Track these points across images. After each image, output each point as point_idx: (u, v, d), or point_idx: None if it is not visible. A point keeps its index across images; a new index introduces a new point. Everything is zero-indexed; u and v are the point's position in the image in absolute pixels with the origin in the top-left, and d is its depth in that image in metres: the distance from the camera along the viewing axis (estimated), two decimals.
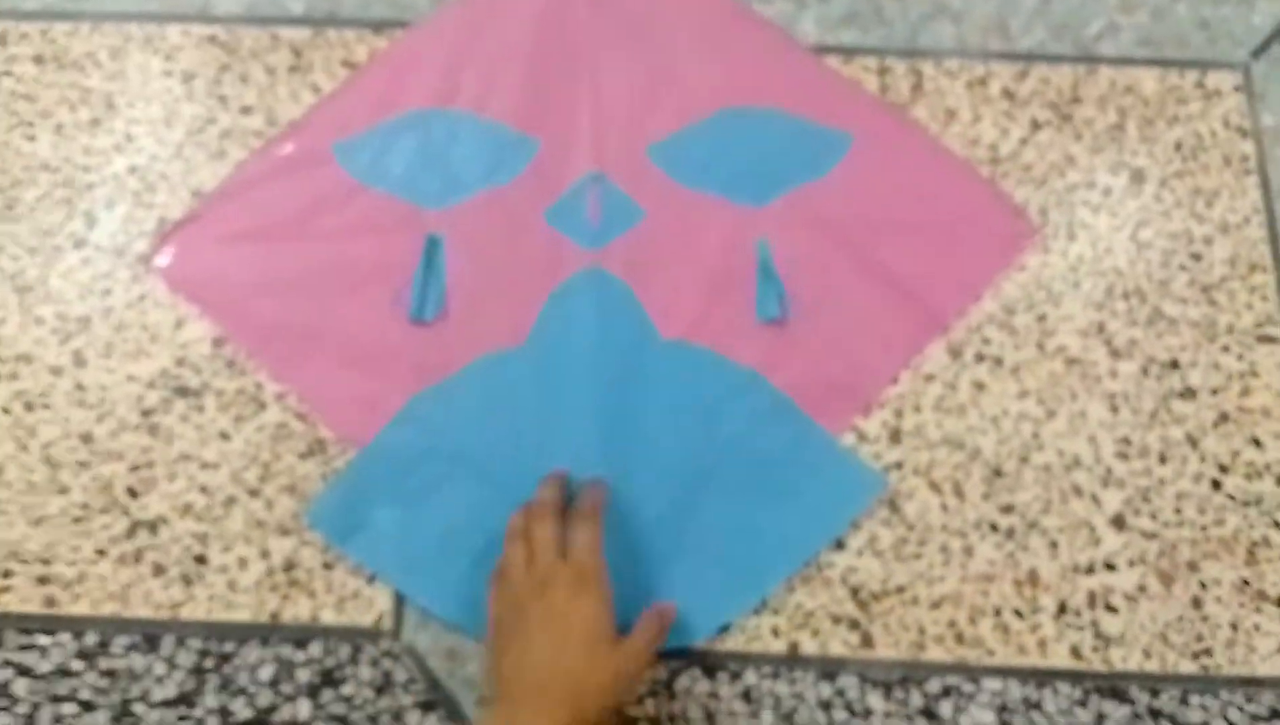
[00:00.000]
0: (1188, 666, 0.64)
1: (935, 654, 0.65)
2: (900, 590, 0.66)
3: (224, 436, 0.70)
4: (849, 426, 0.70)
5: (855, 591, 0.66)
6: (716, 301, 0.72)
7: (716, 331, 0.71)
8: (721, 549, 0.66)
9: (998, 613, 0.66)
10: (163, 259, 0.75)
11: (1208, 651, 0.65)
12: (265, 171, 0.78)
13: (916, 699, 0.64)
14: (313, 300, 0.74)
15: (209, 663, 0.65)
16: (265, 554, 0.67)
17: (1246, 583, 0.66)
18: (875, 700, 0.64)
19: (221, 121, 0.79)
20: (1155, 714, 0.64)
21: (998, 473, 0.69)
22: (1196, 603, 0.66)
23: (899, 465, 0.69)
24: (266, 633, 0.66)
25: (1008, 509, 0.68)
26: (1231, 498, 0.68)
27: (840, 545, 0.67)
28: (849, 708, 0.64)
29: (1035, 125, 0.78)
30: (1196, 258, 0.75)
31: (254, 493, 0.69)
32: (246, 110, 0.79)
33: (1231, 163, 0.77)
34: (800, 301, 0.72)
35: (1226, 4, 0.82)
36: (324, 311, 0.73)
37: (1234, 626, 0.65)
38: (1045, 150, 0.78)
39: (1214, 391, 0.71)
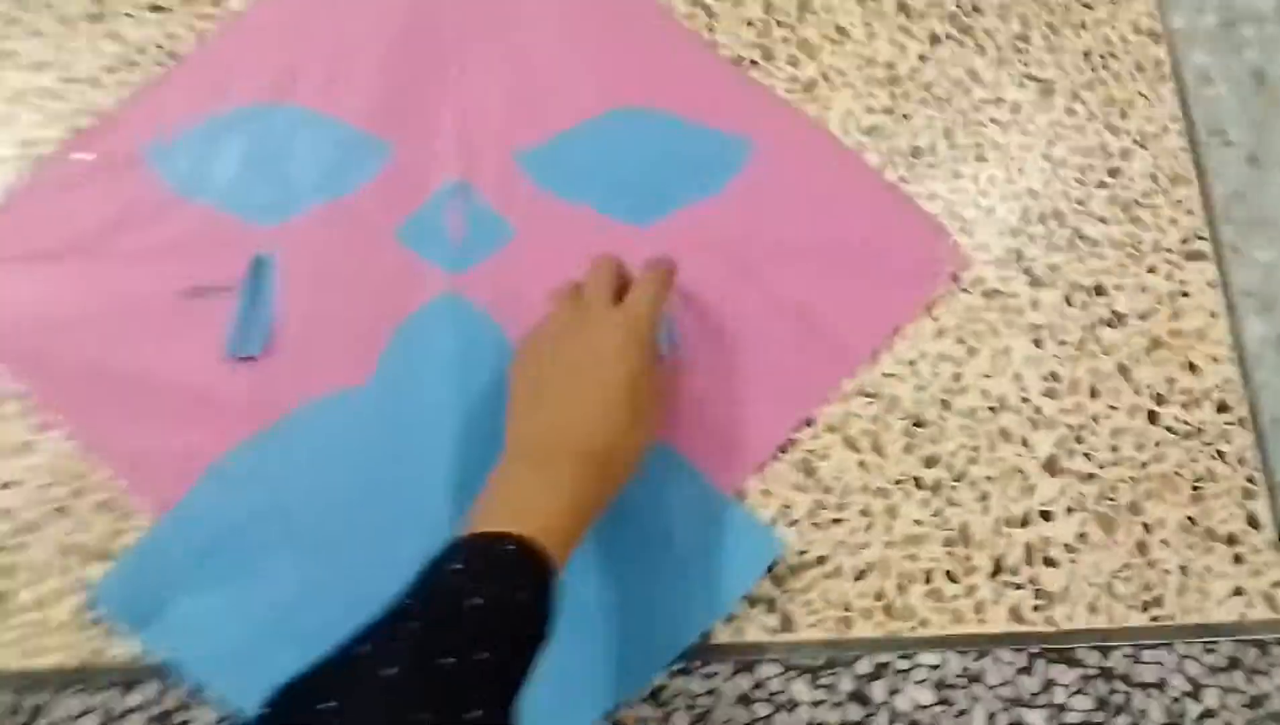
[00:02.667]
0: (1138, 619, 0.58)
1: (863, 630, 0.57)
2: (820, 562, 0.59)
3: (23, 448, 0.59)
4: (741, 484, 0.60)
5: (770, 567, 0.58)
6: None
7: None
8: (600, 630, 0.56)
9: (928, 578, 0.59)
10: None
11: (1157, 601, 0.59)
12: (60, 178, 0.65)
13: (846, 683, 0.56)
14: (111, 335, 0.60)
15: (20, 720, 0.54)
16: (79, 585, 0.56)
17: (1193, 521, 0.60)
18: (800, 689, 0.56)
19: (10, 82, 0.67)
20: (1107, 674, 0.57)
21: (918, 423, 0.62)
22: (1141, 548, 0.60)
23: (809, 422, 0.61)
24: (86, 677, 0.55)
25: (932, 461, 0.61)
26: (1170, 430, 0.62)
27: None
28: (771, 700, 0.56)
29: (934, 39, 0.71)
30: (1115, 173, 0.68)
31: (62, 511, 0.58)
32: (39, 66, 0.68)
33: (1145, 69, 0.71)
34: (689, 337, 0.62)
35: None
36: (125, 348, 0.60)
37: (1184, 570, 0.59)
38: (946, 66, 0.71)
39: (1143, 316, 0.65)
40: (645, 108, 0.68)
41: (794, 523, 0.59)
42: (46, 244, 0.63)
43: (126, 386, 0.60)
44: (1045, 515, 0.60)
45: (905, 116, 0.69)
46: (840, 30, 0.71)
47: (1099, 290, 0.65)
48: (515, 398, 0.54)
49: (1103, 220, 0.67)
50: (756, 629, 0.57)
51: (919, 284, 0.64)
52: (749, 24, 0.71)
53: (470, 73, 0.68)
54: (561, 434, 0.50)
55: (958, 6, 0.72)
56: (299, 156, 0.65)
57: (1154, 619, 0.58)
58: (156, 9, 0.70)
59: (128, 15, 0.69)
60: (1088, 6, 0.73)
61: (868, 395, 0.62)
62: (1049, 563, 0.59)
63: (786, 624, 0.57)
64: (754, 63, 0.70)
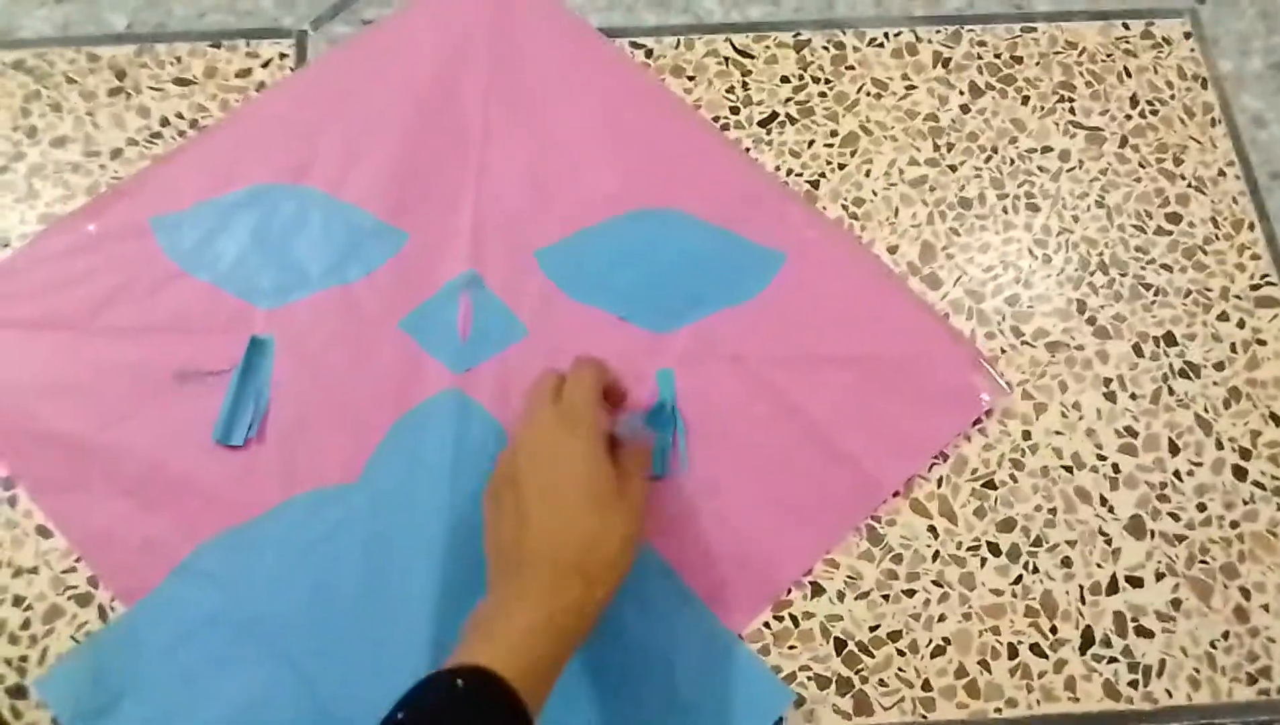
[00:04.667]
0: (1244, 693, 0.53)
1: (946, 712, 0.52)
2: (894, 637, 0.54)
3: None
4: (753, 621, 0.54)
5: (841, 645, 0.54)
6: None
7: None
8: None
9: (1013, 652, 0.54)
10: None
11: (1264, 672, 0.54)
12: (62, 245, 0.62)
13: None
14: (94, 410, 0.57)
15: None
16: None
17: None
18: None
19: (30, 157, 0.66)
20: None
21: (988, 484, 0.58)
22: (1241, 614, 0.55)
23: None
24: None
25: (1007, 525, 0.57)
26: (1259, 485, 0.58)
27: (817, 588, 0.55)
28: None
29: (975, 91, 0.69)
30: (1174, 219, 0.66)
31: (85, 602, 0.54)
32: (60, 142, 0.66)
33: (1195, 114, 0.69)
34: (704, 454, 0.57)
35: None
36: (106, 424, 0.57)
37: None
38: (990, 117, 0.69)
39: (1218, 366, 0.61)
40: (670, 209, 0.64)
41: (864, 594, 0.55)
42: (39, 310, 0.60)
43: (104, 464, 0.56)
44: (1134, 581, 0.56)
45: (951, 168, 0.67)
46: (878, 84, 0.69)
47: (1170, 340, 0.62)
48: (491, 531, 0.50)
49: (1166, 267, 0.64)
50: (830, 714, 0.52)
51: (952, 414, 0.59)
52: (784, 80, 0.69)
53: (492, 163, 0.65)
54: (527, 545, 0.46)
55: (996, 57, 0.70)
56: (308, 240, 0.62)
57: (1261, 693, 0.53)
58: (181, 82, 0.68)
59: (152, 89, 0.68)
60: (1130, 54, 0.71)
61: (934, 455, 0.58)
62: (1142, 633, 0.54)
63: (863, 707, 0.52)
64: (792, 119, 0.68)
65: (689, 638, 0.53)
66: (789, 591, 0.55)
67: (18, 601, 0.54)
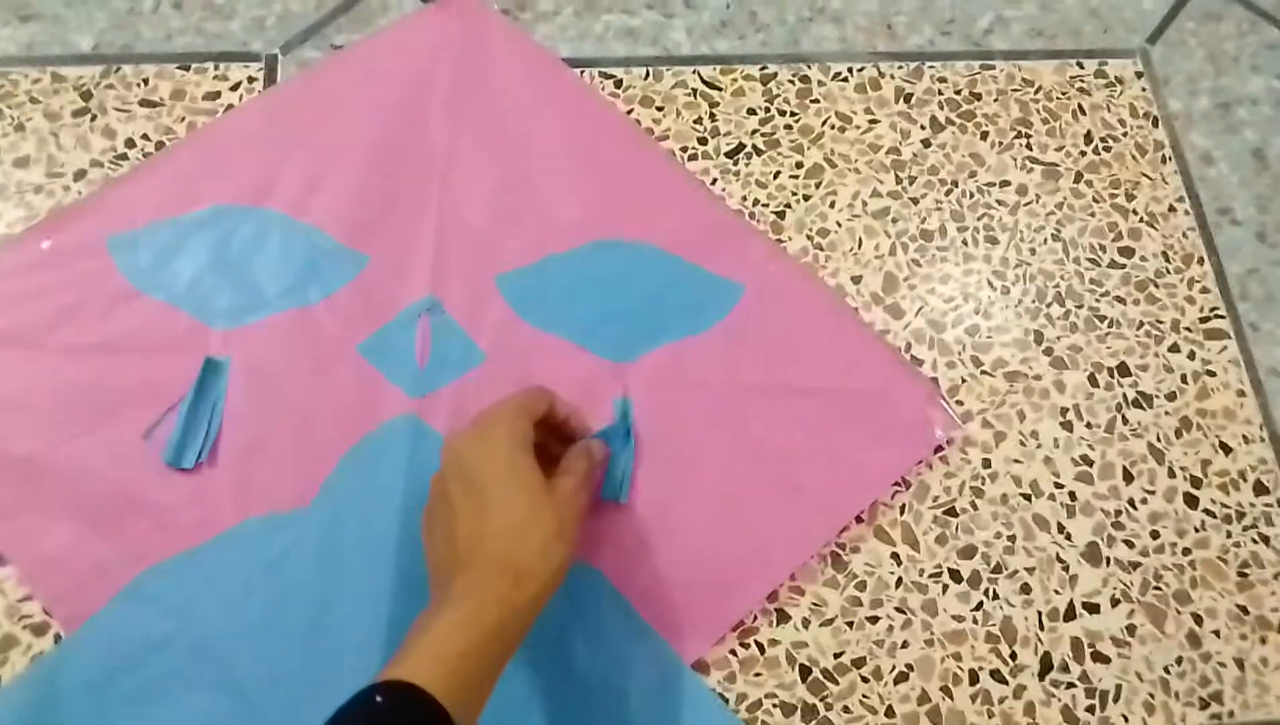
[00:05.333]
0: (1197, 718, 0.55)
1: None
2: (858, 663, 0.55)
3: None
4: (707, 651, 0.54)
5: (806, 671, 0.54)
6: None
7: None
8: None
9: (974, 678, 0.55)
10: None
11: (1216, 697, 0.55)
12: (15, 261, 0.61)
13: None
14: (43, 430, 0.56)
15: None
16: None
17: (1244, 610, 0.57)
18: None
19: None
20: None
21: (950, 511, 0.59)
22: (1193, 639, 0.56)
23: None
24: None
25: (968, 552, 0.58)
26: (1209, 513, 0.60)
27: (783, 615, 0.55)
28: None
29: (936, 125, 0.71)
30: (1127, 253, 0.68)
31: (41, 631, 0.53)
32: (23, 162, 0.65)
33: (1146, 151, 0.71)
34: (658, 482, 0.57)
35: None
36: (56, 444, 0.56)
37: (1239, 663, 0.56)
38: (950, 151, 0.70)
39: (1170, 396, 0.63)
40: (632, 241, 0.64)
41: (828, 621, 0.55)
42: None
43: (53, 486, 0.55)
44: (1090, 607, 0.57)
45: (913, 200, 0.68)
46: (842, 117, 0.71)
47: (1123, 370, 0.64)
48: (423, 536, 0.50)
49: (1119, 300, 0.66)
50: None
51: (907, 447, 0.59)
52: (750, 112, 0.71)
53: (455, 188, 0.65)
54: (457, 548, 0.46)
55: (956, 93, 0.72)
56: (267, 261, 0.62)
57: (1214, 717, 0.55)
58: (148, 104, 0.68)
59: (118, 110, 0.68)
60: (1084, 92, 0.73)
61: (895, 483, 0.59)
62: (1099, 658, 0.56)
63: None
64: (758, 150, 0.69)
65: (641, 667, 0.53)
66: (754, 618, 0.55)
67: None
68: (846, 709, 0.53)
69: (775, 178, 0.68)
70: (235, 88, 0.69)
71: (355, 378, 0.59)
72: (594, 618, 0.53)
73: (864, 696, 0.54)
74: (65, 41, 0.70)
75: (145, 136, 0.67)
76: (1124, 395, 0.63)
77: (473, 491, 0.47)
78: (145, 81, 0.69)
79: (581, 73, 0.71)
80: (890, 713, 0.53)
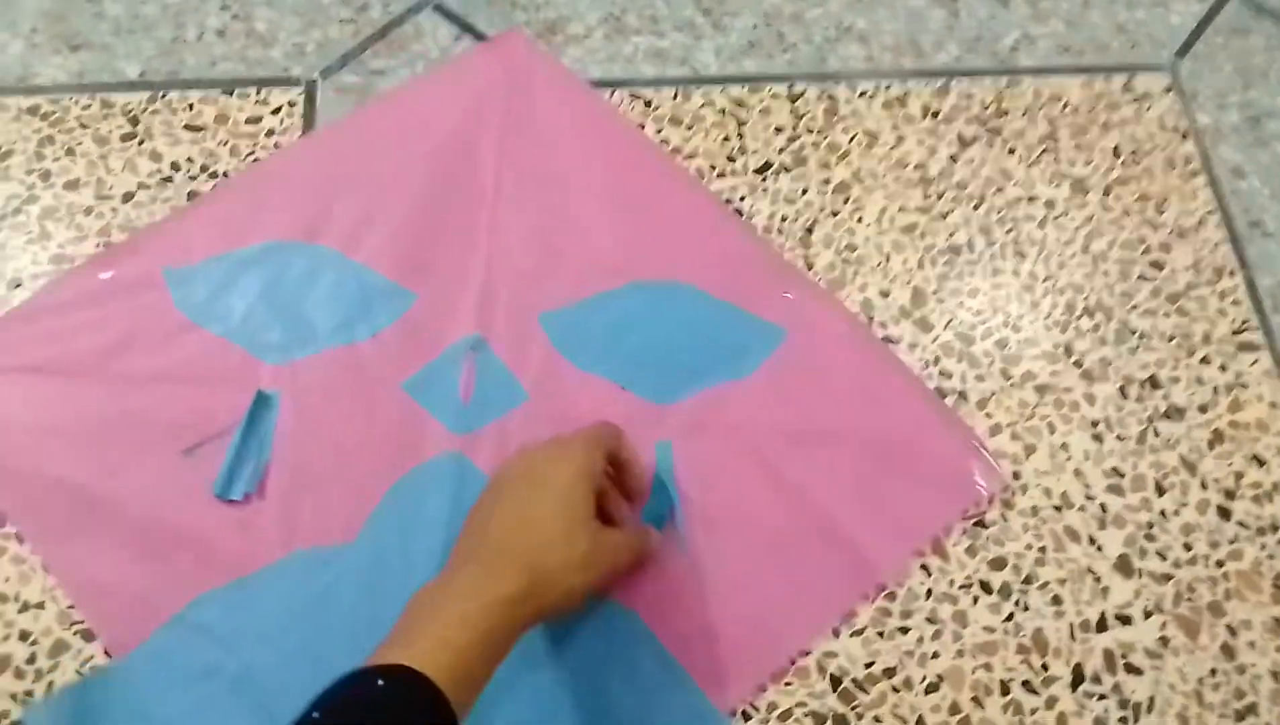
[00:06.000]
0: None
1: None
2: (889, 673, 0.55)
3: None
4: (745, 702, 0.53)
5: (836, 681, 0.54)
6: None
7: None
8: None
9: (1005, 689, 0.55)
10: None
11: (1252, 709, 0.55)
12: (76, 292, 0.63)
13: None
14: (98, 457, 0.58)
15: None
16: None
17: (1279, 622, 0.57)
18: None
19: (43, 200, 0.67)
20: None
21: (980, 523, 0.59)
22: (1228, 651, 0.56)
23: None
24: None
25: (998, 564, 0.58)
26: (1243, 525, 0.59)
27: None
28: None
29: (963, 142, 0.72)
30: (1157, 266, 0.68)
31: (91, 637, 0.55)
32: (73, 185, 0.68)
33: (1175, 165, 0.71)
34: (699, 531, 0.56)
35: (1140, 6, 0.78)
36: (109, 473, 0.57)
37: (1275, 675, 0.55)
38: (978, 167, 0.71)
39: (1202, 408, 0.63)
40: (677, 282, 0.64)
41: (859, 632, 0.56)
42: (50, 355, 0.61)
43: (104, 513, 0.56)
44: (1123, 619, 0.57)
45: (941, 215, 0.69)
46: (869, 135, 0.72)
47: (1154, 383, 0.64)
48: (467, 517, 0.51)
49: (1150, 312, 0.66)
50: None
51: (948, 498, 0.58)
52: (778, 130, 0.72)
53: (502, 227, 0.66)
54: (490, 534, 0.47)
55: (983, 109, 0.73)
56: (318, 297, 0.63)
57: None
58: (192, 129, 0.70)
59: (164, 135, 0.70)
60: (1112, 107, 0.74)
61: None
62: (1131, 670, 0.55)
63: None
64: (786, 168, 0.70)
65: (674, 715, 0.52)
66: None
67: (24, 636, 0.55)
68: (877, 719, 0.54)
69: (803, 194, 0.69)
70: (276, 112, 0.71)
71: (401, 414, 0.60)
72: (630, 662, 0.53)
73: (894, 706, 0.54)
74: (113, 69, 0.73)
75: (190, 160, 0.69)
76: (1155, 407, 0.63)
77: (524, 493, 0.48)
78: (190, 107, 0.71)
79: (611, 94, 0.72)
80: (921, 723, 0.54)
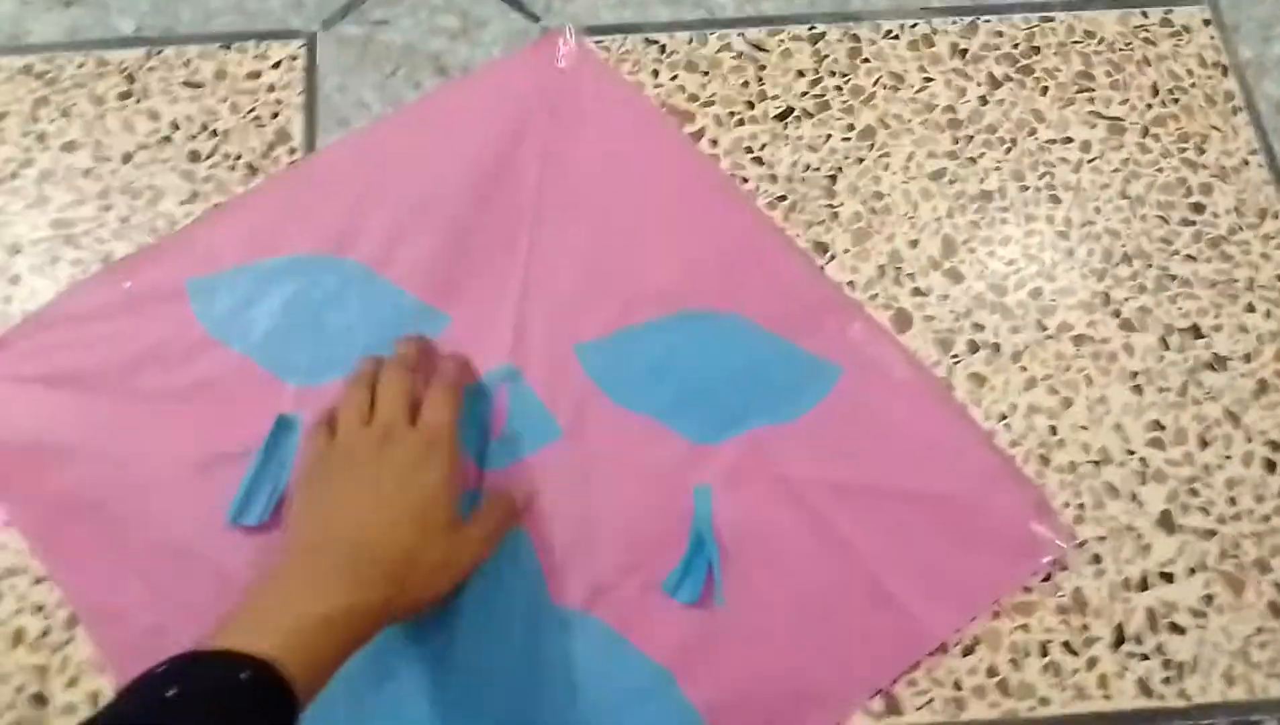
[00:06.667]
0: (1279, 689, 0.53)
1: (977, 711, 0.52)
2: None
3: None
4: None
5: None
6: (632, 565, 0.53)
7: (625, 606, 0.52)
8: None
9: (1044, 650, 0.53)
10: None
11: None
12: (96, 301, 0.60)
13: None
14: (113, 477, 0.55)
15: None
16: None
17: None
18: None
19: (40, 162, 0.65)
20: None
21: None
22: (1275, 609, 0.54)
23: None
24: None
25: None
26: None
27: None
28: None
29: (993, 82, 0.69)
30: (1198, 209, 0.65)
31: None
32: (70, 147, 0.66)
33: (1216, 102, 0.68)
34: (739, 584, 0.53)
35: None
36: (124, 492, 0.55)
37: None
38: (1009, 108, 0.68)
39: (1246, 357, 0.60)
40: (723, 312, 0.60)
41: None
42: (68, 367, 0.58)
43: (116, 535, 0.54)
44: (1166, 576, 0.55)
45: (971, 160, 0.66)
46: (895, 76, 0.69)
47: (1196, 332, 0.61)
48: (294, 512, 0.50)
49: (1191, 258, 0.63)
50: (859, 714, 0.51)
51: (1010, 563, 0.54)
52: (799, 74, 0.69)
53: (542, 248, 0.61)
54: (353, 537, 0.46)
55: (1014, 47, 0.70)
56: (346, 317, 0.60)
57: None
58: (191, 85, 0.68)
59: (162, 93, 0.67)
60: (1149, 42, 0.70)
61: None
62: (1175, 629, 0.54)
63: (893, 707, 0.52)
64: (808, 114, 0.67)
65: None
66: None
67: (37, 609, 0.53)
68: (912, 682, 0.52)
69: (826, 141, 0.66)
70: (276, 66, 0.68)
71: None
72: (654, 712, 0.51)
73: (930, 669, 0.52)
74: (107, 25, 0.70)
75: (189, 118, 0.67)
76: (1197, 357, 0.60)
77: (396, 500, 0.47)
78: (187, 63, 0.69)
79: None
80: (958, 685, 0.52)
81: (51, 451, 0.56)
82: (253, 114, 0.67)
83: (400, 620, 0.48)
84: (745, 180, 0.65)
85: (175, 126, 0.67)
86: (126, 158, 0.65)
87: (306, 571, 0.44)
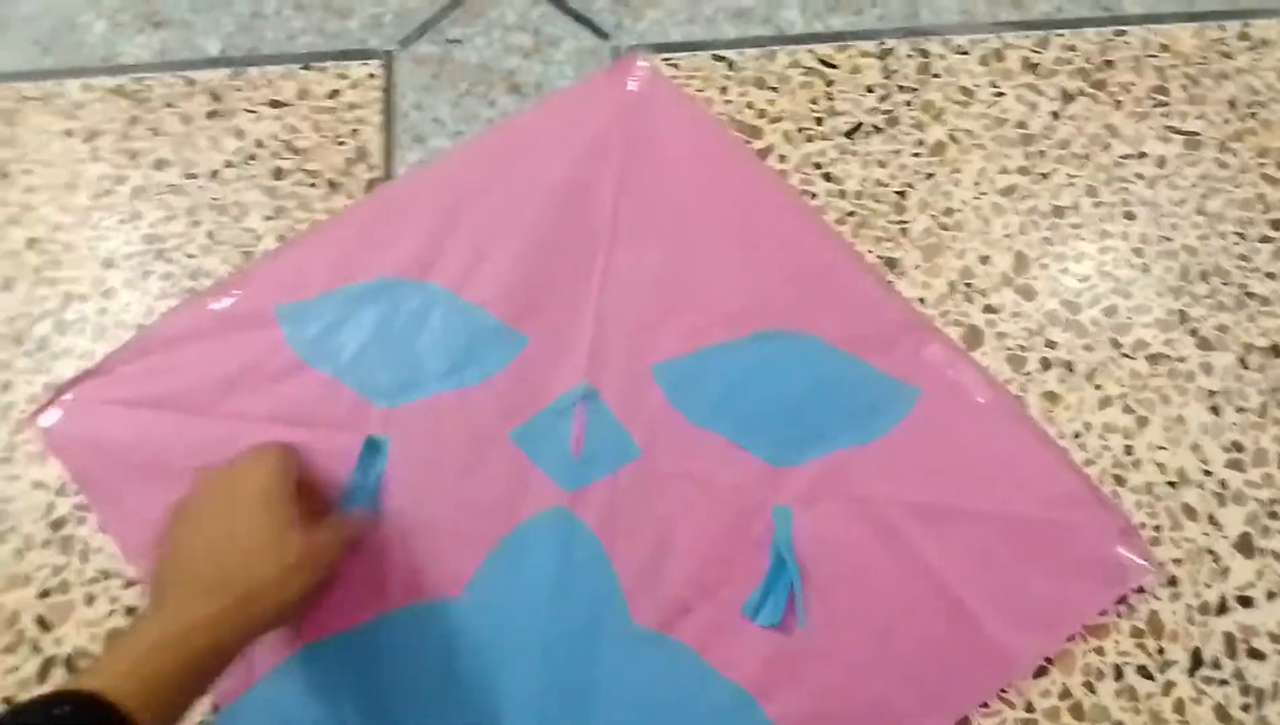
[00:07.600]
0: None
1: None
2: None
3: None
4: None
5: None
6: (710, 587, 0.54)
7: (704, 627, 0.53)
8: None
9: (1119, 673, 0.53)
10: (49, 417, 0.60)
11: None
12: (191, 326, 0.62)
13: None
14: None
15: None
16: None
17: None
18: None
19: (133, 180, 0.68)
20: None
21: None
22: None
23: None
24: None
25: None
26: None
27: None
28: None
29: (1066, 96, 0.68)
30: (1278, 226, 0.64)
31: None
32: (161, 164, 0.68)
33: None
34: (819, 606, 0.53)
35: None
36: None
37: None
38: (1082, 123, 0.67)
39: None
40: (799, 332, 0.60)
41: None
42: (163, 391, 0.60)
43: None
44: (1244, 601, 0.54)
45: (1043, 176, 0.66)
46: (965, 92, 0.68)
47: (1275, 351, 0.60)
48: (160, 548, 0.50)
49: (1271, 276, 0.62)
50: None
51: (1094, 588, 0.53)
52: (868, 89, 0.69)
53: (618, 269, 0.62)
54: (178, 563, 0.46)
55: (1087, 62, 0.69)
56: (430, 338, 0.61)
57: None
58: (274, 104, 0.70)
59: (246, 111, 0.70)
60: (1226, 55, 0.69)
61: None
62: (1254, 655, 0.53)
63: None
64: (877, 129, 0.67)
65: None
66: None
67: (129, 612, 0.56)
68: (984, 704, 0.52)
69: (896, 156, 0.67)
70: (356, 85, 0.70)
71: (509, 465, 0.57)
72: None
73: (1002, 691, 0.52)
74: (194, 46, 0.73)
75: (274, 137, 0.69)
76: (1277, 377, 0.59)
77: (221, 511, 0.48)
78: (270, 82, 0.71)
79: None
80: (1030, 708, 0.52)
81: (150, 472, 0.57)
82: (333, 132, 0.69)
83: (279, 624, 0.48)
84: (814, 196, 0.65)
85: (259, 144, 0.69)
86: (214, 175, 0.68)
87: (150, 608, 0.46)
